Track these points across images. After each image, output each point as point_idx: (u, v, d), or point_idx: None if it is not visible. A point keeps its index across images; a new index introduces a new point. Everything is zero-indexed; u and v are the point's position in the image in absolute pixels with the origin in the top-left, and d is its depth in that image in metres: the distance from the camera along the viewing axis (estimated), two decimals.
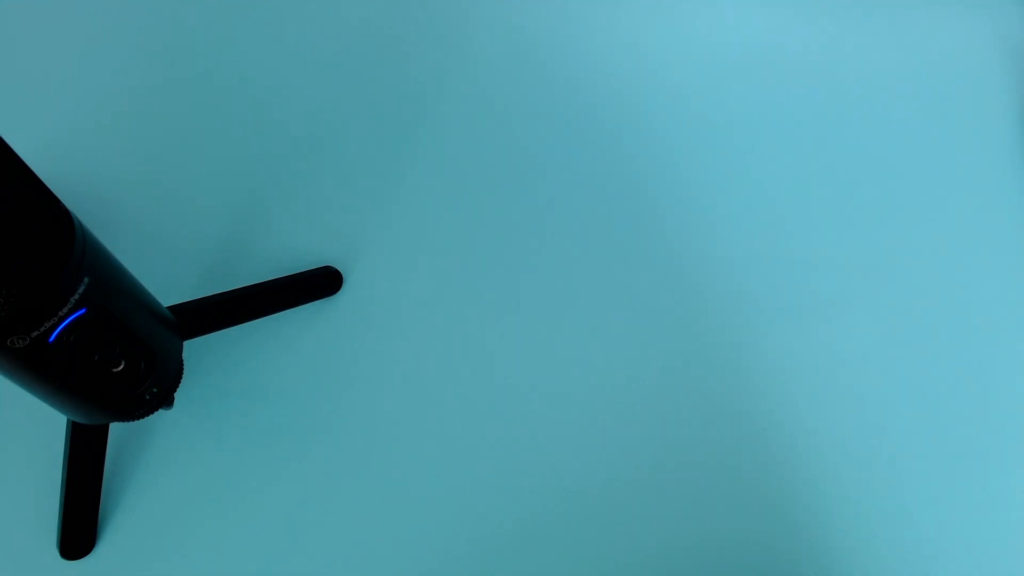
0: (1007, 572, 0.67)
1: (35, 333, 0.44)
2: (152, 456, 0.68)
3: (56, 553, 0.65)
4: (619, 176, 0.82)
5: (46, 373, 0.48)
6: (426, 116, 0.84)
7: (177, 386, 0.59)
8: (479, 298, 0.75)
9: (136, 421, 0.58)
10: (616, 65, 0.88)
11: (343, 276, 0.76)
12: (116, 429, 0.68)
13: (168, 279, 0.74)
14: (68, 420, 0.62)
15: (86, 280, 0.46)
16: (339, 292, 0.75)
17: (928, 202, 0.82)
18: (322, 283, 0.74)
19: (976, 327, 0.76)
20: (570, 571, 0.65)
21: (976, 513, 0.69)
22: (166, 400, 0.58)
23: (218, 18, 0.90)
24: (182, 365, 0.60)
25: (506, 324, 0.74)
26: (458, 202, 0.80)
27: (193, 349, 0.70)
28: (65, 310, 0.45)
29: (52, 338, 0.45)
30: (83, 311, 0.46)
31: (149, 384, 0.55)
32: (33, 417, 0.68)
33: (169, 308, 0.62)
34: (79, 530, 0.64)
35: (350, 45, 0.88)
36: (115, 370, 0.52)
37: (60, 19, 0.89)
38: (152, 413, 0.57)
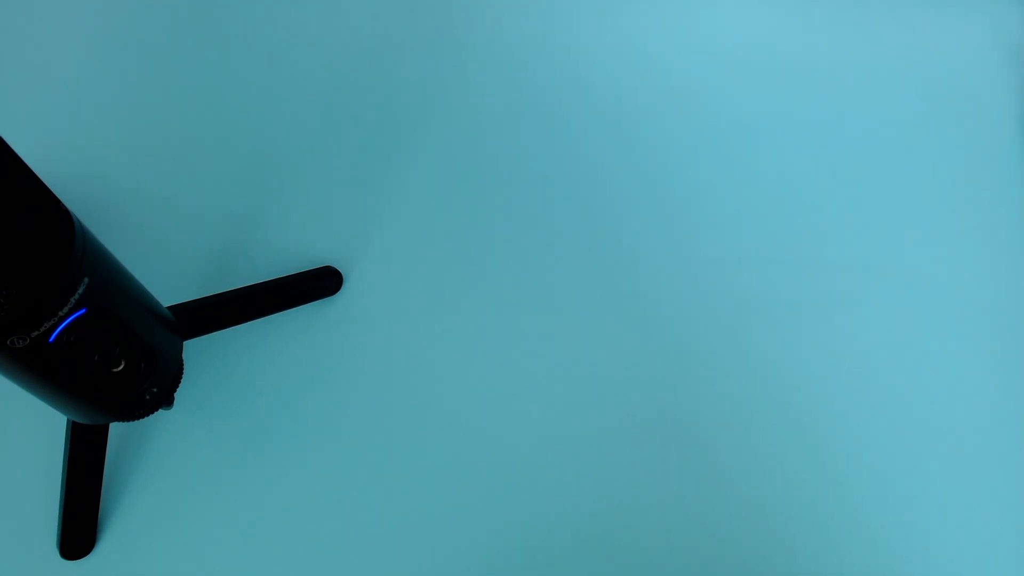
0: (1010, 572, 0.67)
1: (35, 333, 0.44)
2: (152, 456, 0.68)
3: (56, 553, 0.65)
4: (619, 177, 0.82)
5: (46, 373, 0.48)
6: (425, 117, 0.84)
7: (177, 386, 0.59)
8: (479, 298, 0.75)
9: (136, 421, 0.58)
10: (614, 66, 0.88)
11: (343, 276, 0.76)
12: (116, 429, 0.68)
13: (168, 279, 0.74)
14: (68, 420, 0.62)
15: (86, 280, 0.46)
16: (339, 292, 0.75)
17: (928, 202, 0.82)
18: (322, 283, 0.74)
19: (977, 327, 0.76)
20: (569, 568, 0.65)
21: (978, 513, 0.69)
22: (166, 400, 0.58)
23: (218, 21, 0.90)
24: (182, 365, 0.60)
25: (507, 324, 0.74)
26: (458, 202, 0.80)
27: (193, 349, 0.70)
28: (65, 310, 0.45)
29: (52, 338, 0.45)
30: (83, 311, 0.46)
31: (149, 384, 0.55)
32: (33, 417, 0.68)
33: (169, 308, 0.62)
34: (79, 530, 0.64)
35: (349, 48, 0.88)
36: (115, 370, 0.52)
37: (62, 21, 0.89)
38: (152, 413, 0.57)
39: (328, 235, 0.78)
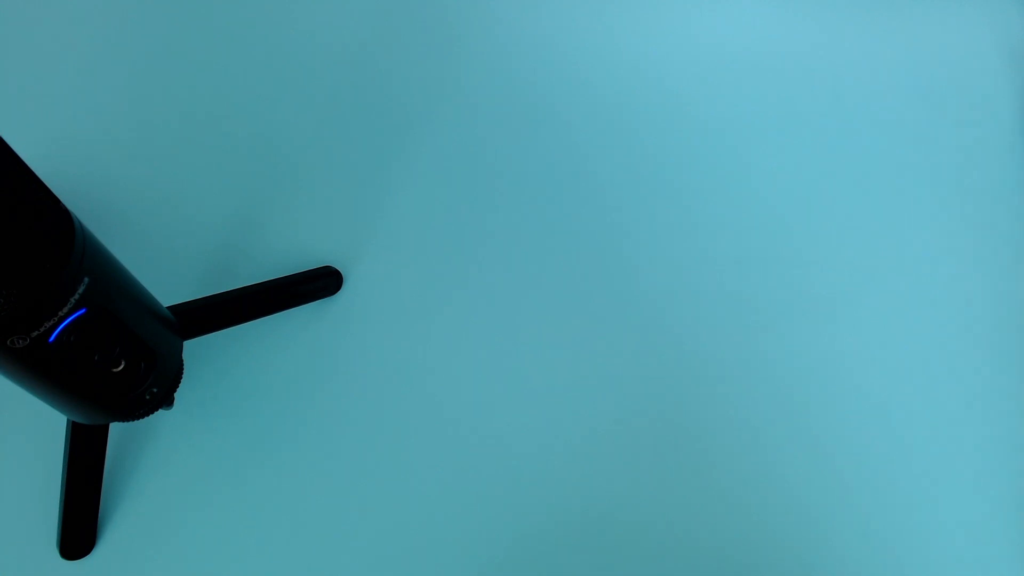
0: (1009, 571, 0.67)
1: (35, 333, 0.44)
2: (152, 456, 0.68)
3: (56, 553, 0.65)
4: (618, 177, 0.82)
5: (46, 373, 0.48)
6: (424, 117, 0.84)
7: (177, 386, 0.59)
8: (479, 297, 0.75)
9: (136, 421, 0.58)
10: (612, 66, 0.88)
11: (343, 276, 0.76)
12: (116, 429, 0.68)
13: (168, 279, 0.74)
14: (68, 420, 0.62)
15: (86, 280, 0.46)
16: (339, 292, 0.75)
17: (928, 202, 0.82)
18: (322, 283, 0.74)
19: (977, 326, 0.76)
20: (567, 567, 0.65)
21: (978, 515, 0.69)
22: (166, 400, 0.58)
23: (218, 22, 0.90)
24: (182, 365, 0.60)
25: (506, 324, 0.74)
26: (458, 202, 0.80)
27: (193, 349, 0.70)
28: (65, 310, 0.45)
29: (52, 338, 0.45)
30: (83, 311, 0.46)
31: (149, 384, 0.55)
32: (33, 417, 0.68)
33: (169, 308, 0.62)
34: (79, 530, 0.64)
35: (348, 49, 0.88)
36: (115, 370, 0.52)
37: (62, 21, 0.89)
38: (152, 413, 0.57)
39: (328, 235, 0.78)
